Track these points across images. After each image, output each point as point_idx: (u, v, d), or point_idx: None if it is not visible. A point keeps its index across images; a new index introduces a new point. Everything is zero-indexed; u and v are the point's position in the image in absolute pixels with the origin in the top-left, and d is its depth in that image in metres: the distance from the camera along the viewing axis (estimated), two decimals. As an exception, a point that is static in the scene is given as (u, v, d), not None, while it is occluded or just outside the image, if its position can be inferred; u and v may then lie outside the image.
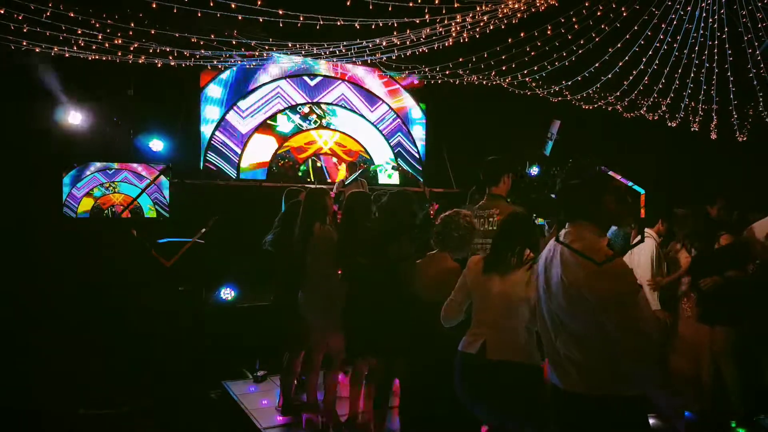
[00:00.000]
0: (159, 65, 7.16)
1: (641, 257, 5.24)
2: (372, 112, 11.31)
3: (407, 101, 11.60)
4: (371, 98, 11.29)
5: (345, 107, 11.05)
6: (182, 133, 8.97)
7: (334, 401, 4.59)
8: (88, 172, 8.22)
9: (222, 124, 9.92)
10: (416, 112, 11.65)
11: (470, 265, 3.15)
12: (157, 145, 8.52)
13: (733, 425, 4.65)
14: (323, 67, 10.73)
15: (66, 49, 6.59)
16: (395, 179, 11.30)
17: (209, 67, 8.47)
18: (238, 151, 10.07)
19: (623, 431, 2.15)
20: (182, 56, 6.93)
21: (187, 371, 5.78)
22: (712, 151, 10.68)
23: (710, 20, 8.47)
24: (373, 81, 11.28)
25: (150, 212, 8.48)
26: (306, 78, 10.73)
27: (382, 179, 11.20)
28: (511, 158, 3.96)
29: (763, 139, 10.25)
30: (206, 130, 9.71)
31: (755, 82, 9.49)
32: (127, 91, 8.63)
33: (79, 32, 6.26)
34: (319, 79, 10.83)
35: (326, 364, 4.60)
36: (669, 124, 10.13)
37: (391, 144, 11.44)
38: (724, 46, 8.86)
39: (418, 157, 11.65)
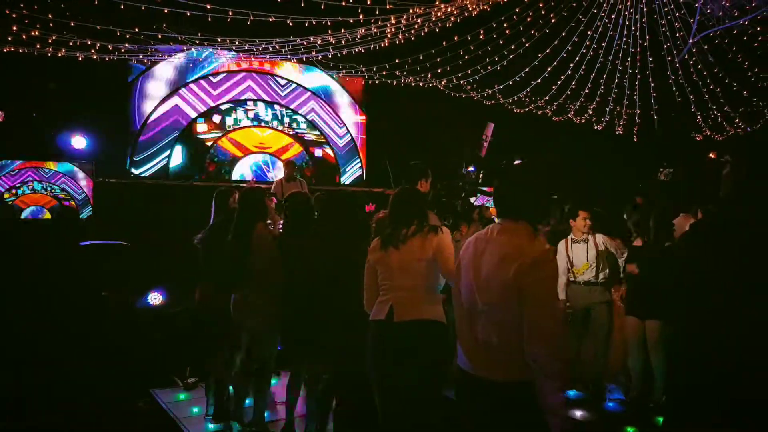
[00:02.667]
0: (80, 58, 6.83)
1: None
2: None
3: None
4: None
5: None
6: (108, 130, 8.60)
7: (264, 410, 4.48)
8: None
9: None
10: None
11: (371, 248, 3.33)
12: (79, 141, 8.11)
13: (660, 420, 4.77)
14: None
15: (-24, 39, 6.19)
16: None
17: (134, 61, 8.19)
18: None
19: (530, 416, 2.21)
20: (105, 49, 6.64)
21: (113, 380, 5.50)
22: (635, 152, 11.22)
23: (633, 28, 8.91)
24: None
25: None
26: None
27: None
28: (426, 165, 4.09)
29: (681, 142, 10.87)
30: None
31: (674, 89, 10.06)
32: (48, 85, 8.19)
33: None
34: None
35: (257, 371, 4.46)
36: (595, 127, 10.59)
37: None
38: (645, 53, 9.34)
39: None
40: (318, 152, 11.40)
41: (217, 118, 10.34)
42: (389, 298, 3.18)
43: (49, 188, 7.83)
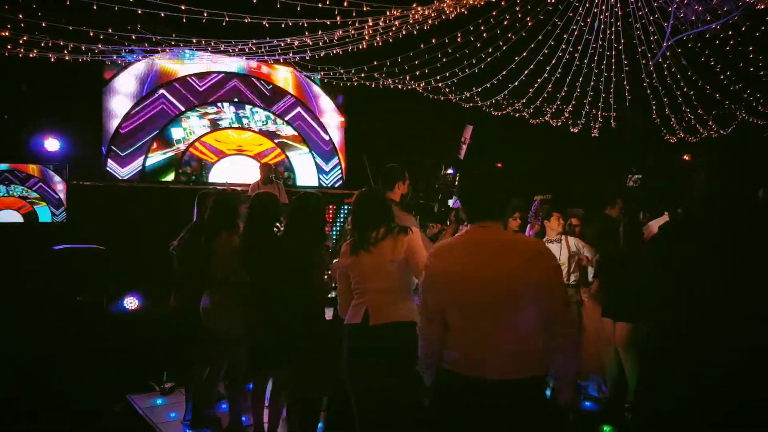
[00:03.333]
0: (53, 59, 6.71)
1: None
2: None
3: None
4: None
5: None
6: (81, 132, 8.47)
7: (240, 415, 4.45)
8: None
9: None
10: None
11: (341, 253, 3.34)
12: (52, 144, 7.98)
13: (630, 418, 4.86)
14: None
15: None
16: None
17: (108, 62, 8.08)
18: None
19: (546, 409, 2.33)
20: (78, 50, 6.53)
21: (88, 386, 5.40)
22: (612, 154, 11.38)
23: (608, 32, 9.03)
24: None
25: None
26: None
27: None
28: (403, 167, 4.11)
29: (656, 144, 11.05)
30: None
31: (648, 92, 10.22)
32: (20, 87, 8.06)
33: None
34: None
35: (228, 377, 4.42)
36: (572, 130, 10.72)
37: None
38: (620, 56, 9.48)
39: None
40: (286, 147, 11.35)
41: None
42: (363, 301, 3.18)
43: (11, 191, 7.68)
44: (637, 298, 4.80)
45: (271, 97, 10.99)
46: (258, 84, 10.83)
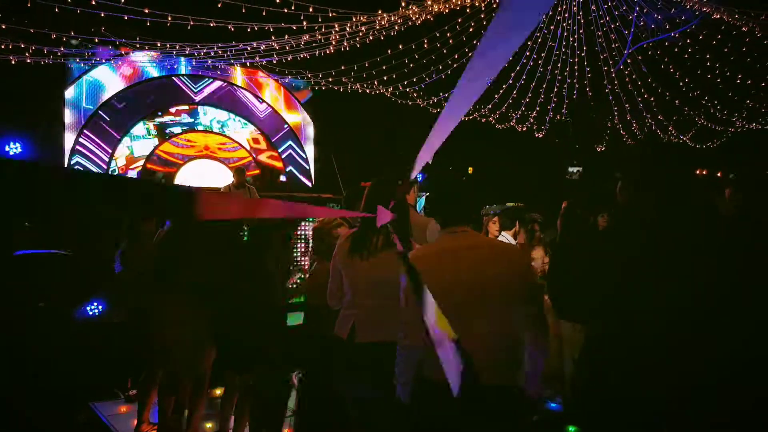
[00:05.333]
0: (13, 62, 6.56)
1: None
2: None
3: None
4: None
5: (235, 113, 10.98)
6: (44, 135, 8.30)
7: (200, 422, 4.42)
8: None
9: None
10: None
11: (339, 244, 3.16)
12: (14, 147, 7.79)
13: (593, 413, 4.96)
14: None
15: None
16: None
17: (70, 66, 7.94)
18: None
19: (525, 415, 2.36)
20: (40, 53, 6.40)
21: (50, 394, 5.30)
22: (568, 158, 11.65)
23: (571, 39, 9.26)
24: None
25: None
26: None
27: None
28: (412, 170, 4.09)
29: (619, 149, 11.33)
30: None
31: (610, 98, 10.51)
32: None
33: None
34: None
35: (194, 382, 4.38)
36: (536, 135, 10.93)
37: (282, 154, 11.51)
38: (583, 63, 9.73)
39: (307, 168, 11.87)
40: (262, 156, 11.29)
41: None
42: (352, 314, 3.06)
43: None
44: (590, 297, 4.88)
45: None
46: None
